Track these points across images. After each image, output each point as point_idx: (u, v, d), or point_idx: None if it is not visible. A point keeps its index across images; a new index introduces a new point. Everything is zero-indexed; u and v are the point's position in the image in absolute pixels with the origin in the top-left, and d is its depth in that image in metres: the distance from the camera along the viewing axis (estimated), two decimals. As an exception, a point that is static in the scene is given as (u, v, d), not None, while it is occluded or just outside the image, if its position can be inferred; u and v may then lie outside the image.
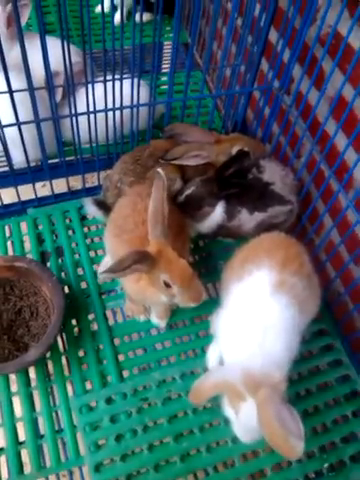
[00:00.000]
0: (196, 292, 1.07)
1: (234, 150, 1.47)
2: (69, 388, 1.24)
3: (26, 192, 1.57)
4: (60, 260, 1.47)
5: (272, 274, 1.07)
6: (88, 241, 1.52)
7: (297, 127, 1.46)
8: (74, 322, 1.33)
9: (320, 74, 1.33)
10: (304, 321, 1.11)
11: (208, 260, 1.51)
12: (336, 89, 1.26)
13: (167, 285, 1.05)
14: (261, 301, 1.06)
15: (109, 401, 1.21)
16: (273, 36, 1.53)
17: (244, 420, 0.99)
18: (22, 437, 1.17)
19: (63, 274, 1.44)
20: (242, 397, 0.96)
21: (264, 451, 1.17)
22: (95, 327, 1.34)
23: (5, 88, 1.19)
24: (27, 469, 1.13)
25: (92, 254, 1.49)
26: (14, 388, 1.22)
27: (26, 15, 1.53)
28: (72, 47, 1.41)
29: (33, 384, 1.24)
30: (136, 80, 1.39)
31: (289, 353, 1.04)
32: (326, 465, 1.18)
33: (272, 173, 1.40)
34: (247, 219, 1.39)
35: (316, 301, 1.16)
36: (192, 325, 1.38)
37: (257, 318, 1.05)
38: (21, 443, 1.16)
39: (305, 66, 1.34)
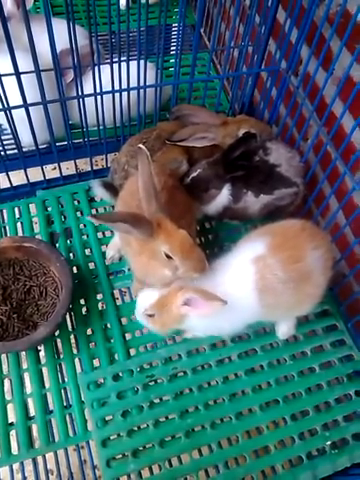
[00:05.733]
0: (198, 262, 1.06)
1: (241, 132, 1.47)
2: (77, 365, 1.27)
3: (35, 174, 1.59)
4: (69, 241, 1.49)
5: (263, 249, 1.10)
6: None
7: (304, 109, 1.45)
8: (82, 301, 1.36)
9: (328, 54, 1.31)
10: (263, 309, 1.12)
11: (215, 242, 1.53)
12: (344, 69, 1.24)
13: (168, 257, 1.05)
14: (241, 260, 1.12)
15: (116, 378, 1.24)
16: (281, 16, 1.51)
17: None
18: (32, 413, 1.20)
19: (71, 255, 1.46)
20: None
21: (268, 428, 1.20)
22: (103, 306, 1.36)
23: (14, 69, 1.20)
24: (36, 444, 1.17)
25: (100, 235, 1.51)
26: (24, 365, 1.26)
27: (32, -5, 1.53)
28: (80, 29, 1.41)
29: (42, 361, 1.27)
30: (142, 62, 1.39)
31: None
32: (329, 443, 1.20)
33: (278, 155, 1.40)
34: (253, 201, 1.39)
35: (298, 306, 1.17)
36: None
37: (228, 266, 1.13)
38: (31, 418, 1.19)
39: (313, 46, 1.32)
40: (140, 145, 1.05)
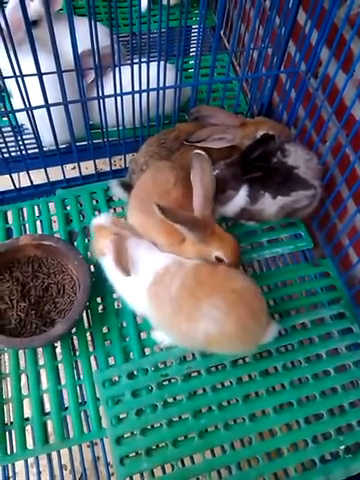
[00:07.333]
0: (239, 265, 1.17)
1: (259, 133, 1.47)
2: (93, 363, 1.28)
3: (55, 174, 1.61)
4: (87, 240, 1.50)
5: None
6: (114, 222, 1.55)
7: (323, 111, 1.44)
8: (99, 300, 1.37)
9: (348, 56, 1.30)
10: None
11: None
12: (364, 72, 1.24)
13: (219, 260, 1.13)
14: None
15: (131, 376, 1.24)
16: (301, 17, 1.51)
17: None
18: (47, 408, 1.22)
19: (89, 253, 1.47)
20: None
21: (281, 431, 1.19)
22: (119, 305, 1.37)
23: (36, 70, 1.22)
24: (51, 439, 1.18)
25: (117, 235, 1.52)
26: (41, 361, 1.27)
27: (59, -2, 1.55)
28: (103, 29, 1.42)
29: (59, 358, 1.28)
30: (162, 63, 1.40)
31: None
32: (343, 447, 1.18)
33: (297, 157, 1.39)
34: (270, 203, 1.39)
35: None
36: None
37: None
38: (46, 414, 1.20)
39: (333, 48, 1.32)
40: (199, 151, 1.13)
